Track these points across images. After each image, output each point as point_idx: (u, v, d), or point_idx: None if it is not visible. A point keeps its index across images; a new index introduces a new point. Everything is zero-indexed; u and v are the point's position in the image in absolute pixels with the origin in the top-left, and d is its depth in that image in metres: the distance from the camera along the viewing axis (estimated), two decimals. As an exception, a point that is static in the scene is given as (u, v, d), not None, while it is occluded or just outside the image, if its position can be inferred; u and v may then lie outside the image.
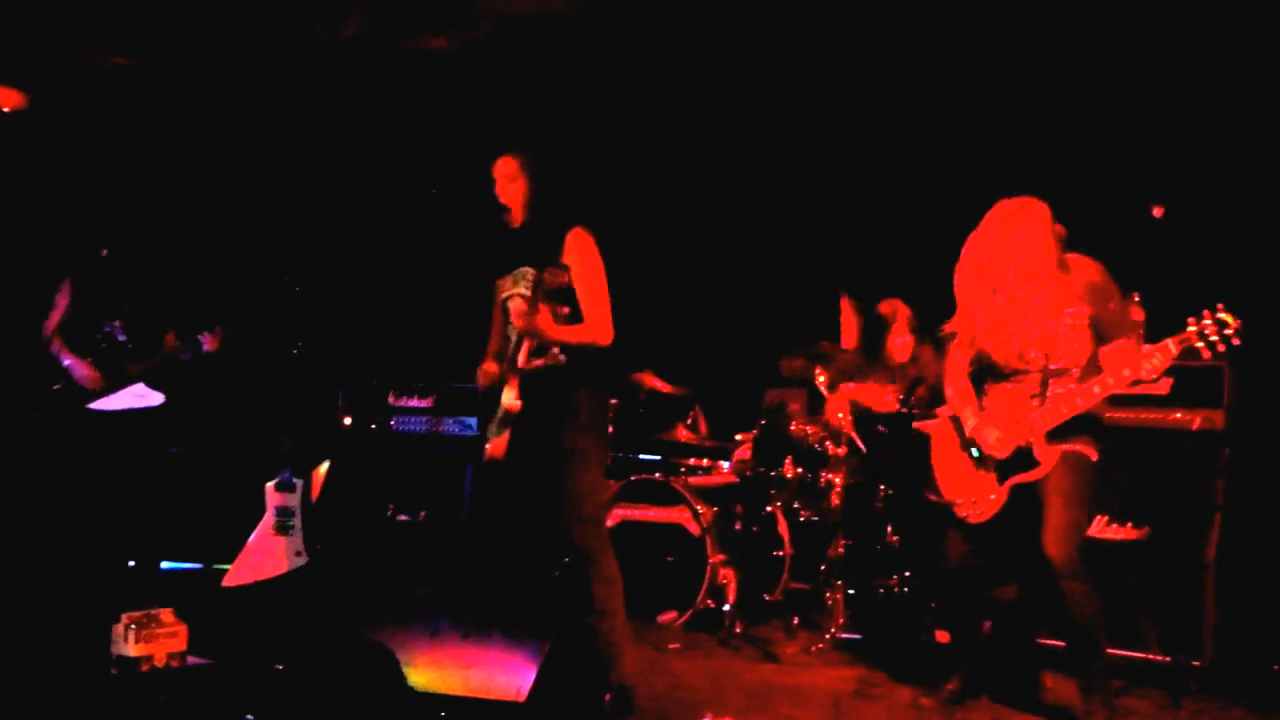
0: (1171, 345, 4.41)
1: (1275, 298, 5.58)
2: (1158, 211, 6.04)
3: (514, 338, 4.85)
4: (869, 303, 6.85)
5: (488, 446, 4.90)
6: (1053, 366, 4.67)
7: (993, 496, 4.79)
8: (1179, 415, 5.52)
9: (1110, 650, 4.83)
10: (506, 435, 4.84)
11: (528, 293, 4.72)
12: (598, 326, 4.83)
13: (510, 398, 4.76)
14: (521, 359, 4.76)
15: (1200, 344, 4.36)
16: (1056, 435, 4.65)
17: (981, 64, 7.09)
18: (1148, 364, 4.44)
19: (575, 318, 4.81)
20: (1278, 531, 5.52)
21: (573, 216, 4.94)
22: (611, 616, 4.83)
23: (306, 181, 8.68)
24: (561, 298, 4.77)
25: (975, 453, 4.86)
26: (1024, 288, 4.68)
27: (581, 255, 4.84)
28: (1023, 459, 4.69)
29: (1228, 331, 4.34)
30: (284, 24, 7.50)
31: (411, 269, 8.31)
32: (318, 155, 8.59)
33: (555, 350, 4.84)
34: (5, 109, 7.76)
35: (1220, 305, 4.38)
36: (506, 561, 5.78)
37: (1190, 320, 4.39)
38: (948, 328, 5.01)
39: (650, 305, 7.63)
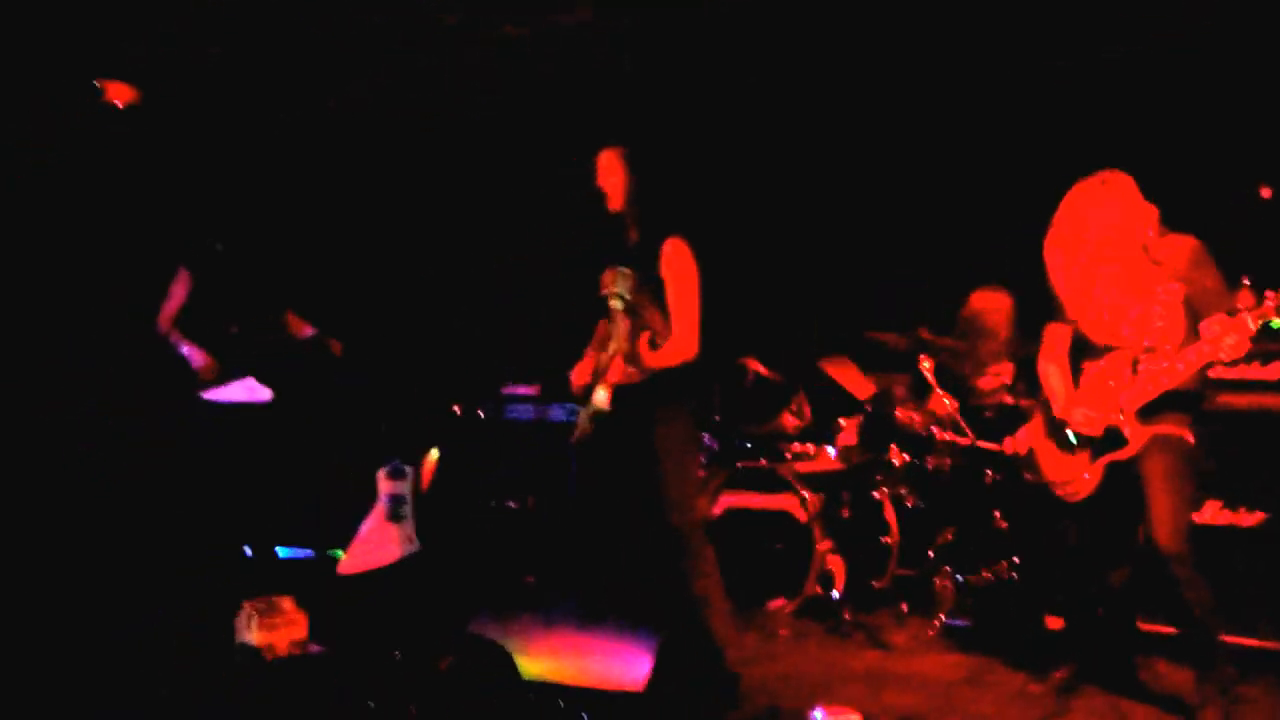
0: (1249, 320, 4.24)
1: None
2: (1266, 193, 5.93)
3: (610, 348, 5.05)
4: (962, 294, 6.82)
5: (577, 431, 5.12)
6: (1146, 344, 4.59)
7: (1086, 476, 4.74)
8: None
9: (1224, 637, 4.74)
10: (592, 426, 5.04)
11: (628, 295, 4.88)
12: (685, 343, 4.95)
13: (602, 398, 4.94)
14: (615, 373, 4.93)
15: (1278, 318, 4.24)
16: (1149, 414, 4.58)
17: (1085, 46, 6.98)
18: (1229, 339, 4.26)
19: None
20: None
21: (671, 218, 5.03)
22: (711, 606, 4.94)
23: (412, 170, 8.79)
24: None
25: (1065, 432, 4.82)
26: (1113, 265, 4.65)
27: (676, 269, 4.96)
28: (1114, 437, 4.64)
29: None
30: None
31: (518, 257, 8.38)
32: (421, 145, 8.69)
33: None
34: (119, 104, 7.89)
35: None
36: (612, 550, 5.87)
37: (1269, 294, 4.25)
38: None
39: (754, 291, 7.67)
